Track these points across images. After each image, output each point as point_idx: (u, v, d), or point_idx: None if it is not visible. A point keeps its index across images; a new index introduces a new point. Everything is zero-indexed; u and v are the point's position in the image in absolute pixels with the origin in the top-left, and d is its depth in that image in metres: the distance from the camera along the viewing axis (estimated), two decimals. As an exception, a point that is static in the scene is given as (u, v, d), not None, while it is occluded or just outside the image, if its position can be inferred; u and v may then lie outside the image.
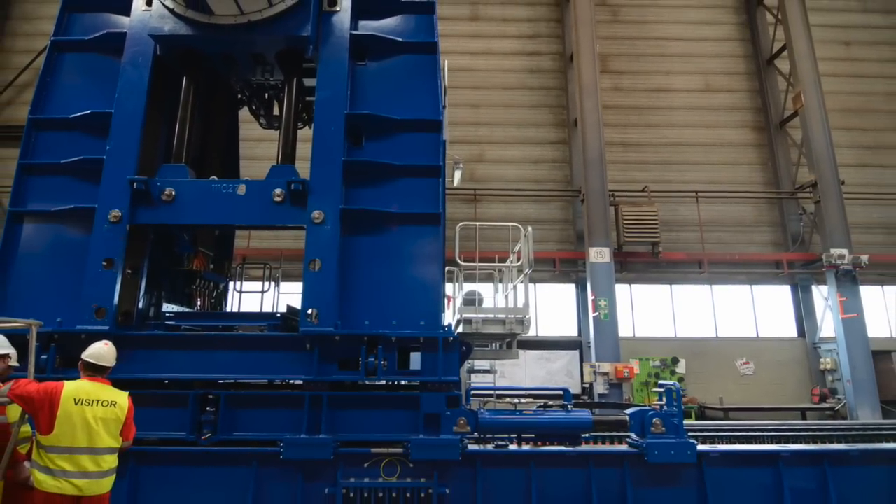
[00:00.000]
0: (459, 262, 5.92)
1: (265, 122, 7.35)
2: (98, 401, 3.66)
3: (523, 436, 5.16)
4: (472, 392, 5.38)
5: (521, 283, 5.86)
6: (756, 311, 16.13)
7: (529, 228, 5.85)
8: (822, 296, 15.59)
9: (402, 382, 5.08)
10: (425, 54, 5.45)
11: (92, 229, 4.83)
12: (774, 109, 17.31)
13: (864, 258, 14.20)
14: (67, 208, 4.95)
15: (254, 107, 7.09)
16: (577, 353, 15.28)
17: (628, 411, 5.10)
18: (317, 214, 4.82)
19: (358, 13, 5.51)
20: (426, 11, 5.58)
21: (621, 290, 15.24)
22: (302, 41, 5.26)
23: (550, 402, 5.62)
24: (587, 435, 5.52)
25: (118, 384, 4.69)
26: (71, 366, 4.53)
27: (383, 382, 5.05)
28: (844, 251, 14.27)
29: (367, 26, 5.54)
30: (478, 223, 6.72)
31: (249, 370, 4.74)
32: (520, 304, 5.82)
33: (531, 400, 7.19)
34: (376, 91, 5.36)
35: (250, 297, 10.56)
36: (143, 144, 5.11)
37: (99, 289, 4.67)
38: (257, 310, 11.08)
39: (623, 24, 18.11)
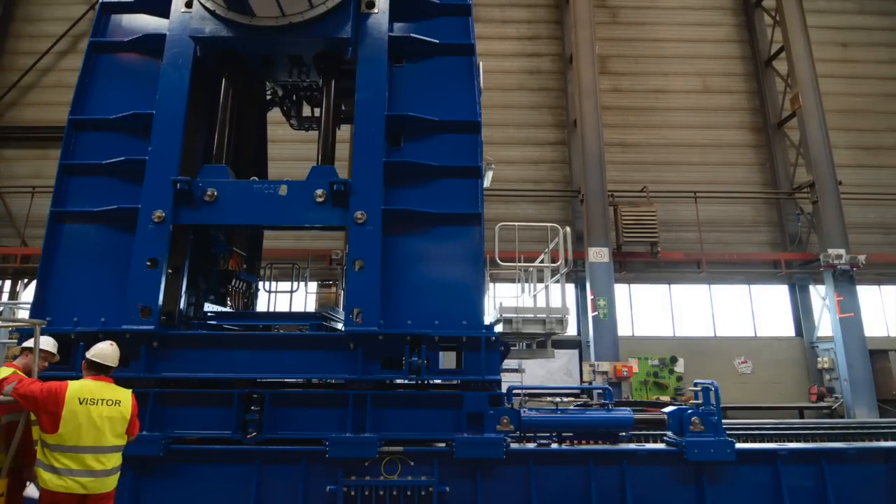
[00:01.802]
0: (498, 262, 5.98)
1: (296, 123, 7.35)
2: (103, 400, 3.66)
3: (563, 434, 5.17)
4: (513, 391, 5.39)
5: (557, 282, 5.91)
6: (754, 310, 16.21)
7: (567, 229, 5.91)
8: (820, 295, 15.66)
9: (436, 381, 5.09)
10: (462, 56, 5.49)
11: (133, 229, 4.84)
12: (772, 110, 17.38)
13: (862, 258, 14.28)
14: (110, 209, 4.96)
15: (285, 108, 7.09)
16: (576, 352, 15.36)
17: (666, 410, 5.14)
18: (359, 215, 4.83)
19: (394, 15, 5.53)
20: (462, 13, 5.62)
21: (620, 289, 15.31)
22: (342, 43, 5.30)
23: (591, 402, 5.62)
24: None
25: (164, 383, 4.70)
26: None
27: (425, 382, 5.06)
28: (842, 251, 14.35)
29: (404, 28, 5.57)
30: (517, 224, 6.80)
31: (293, 370, 4.78)
32: (554, 304, 5.83)
33: (564, 399, 7.09)
34: (413, 92, 5.39)
35: (270, 296, 10.57)
36: (183, 145, 5.13)
37: (144, 288, 4.68)
38: (276, 310, 11.05)
39: (622, 25, 18.18)
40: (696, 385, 5.26)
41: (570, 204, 16.67)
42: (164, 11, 5.49)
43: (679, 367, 15.13)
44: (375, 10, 5.43)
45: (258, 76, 6.23)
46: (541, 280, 6.44)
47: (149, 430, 4.47)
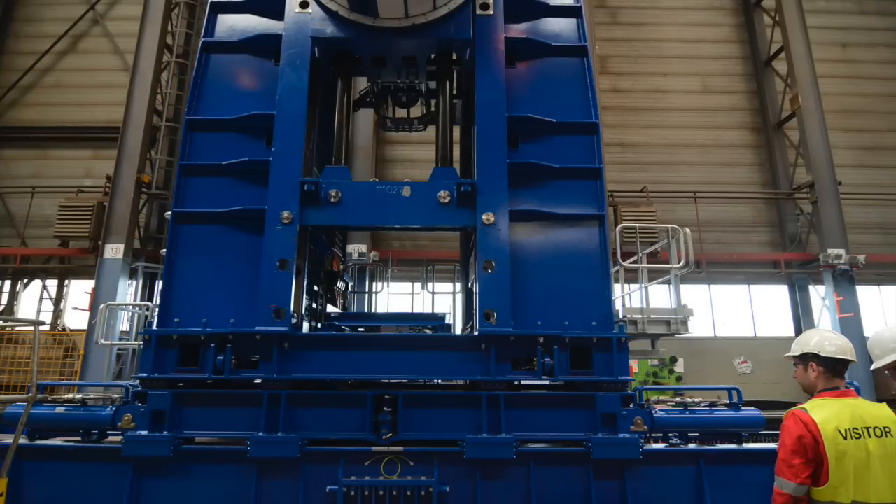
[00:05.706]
0: (620, 262, 5.92)
1: (389, 124, 7.37)
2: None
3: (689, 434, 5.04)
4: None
5: (667, 283, 5.92)
6: (754, 310, 16.23)
7: (687, 230, 5.89)
8: (820, 295, 15.66)
9: (546, 382, 5.05)
10: (576, 57, 5.48)
11: (255, 229, 4.80)
12: (772, 110, 17.38)
13: (861, 258, 14.29)
14: (236, 209, 4.91)
15: (382, 108, 7.07)
16: (576, 352, 15.36)
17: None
18: (488, 216, 4.80)
19: (507, 16, 5.49)
20: (574, 15, 5.61)
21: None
22: (462, 44, 5.31)
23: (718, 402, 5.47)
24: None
25: (293, 385, 4.65)
26: (244, 367, 4.58)
27: (546, 382, 5.02)
28: (841, 251, 14.35)
29: (517, 29, 5.54)
30: (638, 224, 6.87)
31: (423, 371, 4.75)
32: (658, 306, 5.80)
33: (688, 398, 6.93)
34: (527, 94, 5.37)
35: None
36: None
37: (275, 290, 4.61)
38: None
39: (622, 25, 18.19)
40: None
41: (569, 204, 16.67)
42: (272, 12, 5.44)
43: (679, 367, 15.11)
44: (490, 12, 5.37)
45: (356, 76, 6.16)
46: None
47: (284, 432, 4.46)
